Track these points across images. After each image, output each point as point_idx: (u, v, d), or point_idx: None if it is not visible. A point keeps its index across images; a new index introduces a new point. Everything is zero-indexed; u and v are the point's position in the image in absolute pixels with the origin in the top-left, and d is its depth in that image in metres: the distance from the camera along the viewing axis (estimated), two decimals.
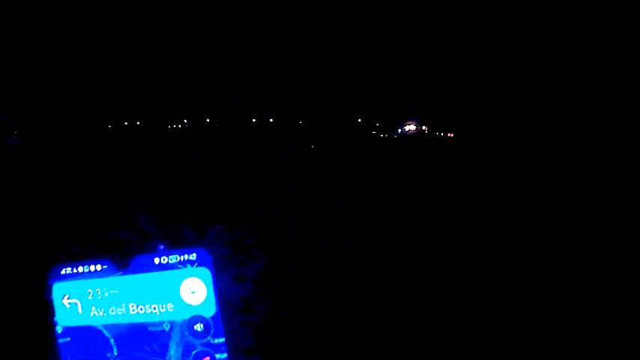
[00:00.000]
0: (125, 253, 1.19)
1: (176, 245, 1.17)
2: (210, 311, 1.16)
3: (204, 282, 1.15)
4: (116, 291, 1.21)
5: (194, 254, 1.16)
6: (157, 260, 1.18)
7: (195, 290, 1.16)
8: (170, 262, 1.17)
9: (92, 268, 1.23)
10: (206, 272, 1.15)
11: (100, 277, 1.22)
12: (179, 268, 1.16)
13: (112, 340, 1.22)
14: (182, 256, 1.16)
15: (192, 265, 1.16)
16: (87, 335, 1.24)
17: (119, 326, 1.22)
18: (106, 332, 1.23)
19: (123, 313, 1.21)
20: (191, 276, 1.16)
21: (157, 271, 1.18)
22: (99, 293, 1.22)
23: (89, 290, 1.23)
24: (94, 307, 1.23)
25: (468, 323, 2.56)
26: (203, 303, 1.16)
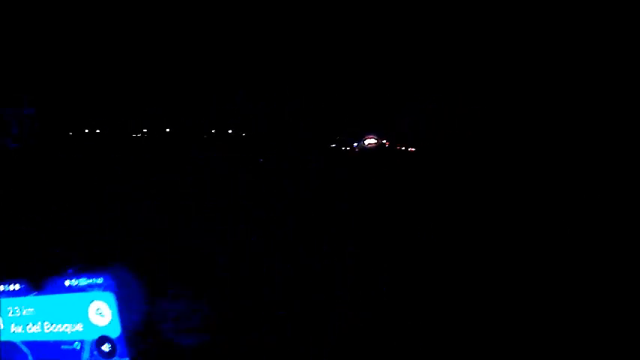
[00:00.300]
0: (39, 274, 1.25)
1: (85, 269, 1.23)
2: (115, 332, 1.20)
3: (109, 305, 1.20)
4: (32, 310, 1.28)
5: (101, 278, 1.21)
6: (67, 282, 1.23)
7: (102, 312, 1.21)
8: (79, 284, 1.22)
9: (11, 287, 1.30)
10: (111, 296, 1.20)
11: (18, 296, 1.29)
12: (87, 290, 1.21)
13: (30, 357, 1.29)
14: (90, 280, 1.21)
15: (99, 289, 1.20)
16: (8, 350, 1.31)
17: (35, 343, 1.28)
18: (24, 348, 1.30)
19: (38, 331, 1.28)
20: (98, 299, 1.21)
21: (67, 292, 1.23)
22: (17, 311, 1.30)
23: (9, 308, 1.30)
24: (13, 325, 1.30)
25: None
26: (109, 324, 1.21)
